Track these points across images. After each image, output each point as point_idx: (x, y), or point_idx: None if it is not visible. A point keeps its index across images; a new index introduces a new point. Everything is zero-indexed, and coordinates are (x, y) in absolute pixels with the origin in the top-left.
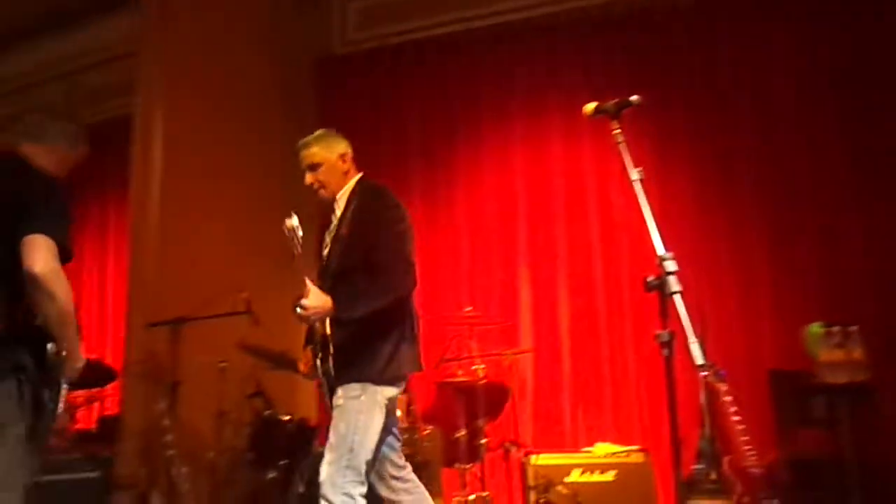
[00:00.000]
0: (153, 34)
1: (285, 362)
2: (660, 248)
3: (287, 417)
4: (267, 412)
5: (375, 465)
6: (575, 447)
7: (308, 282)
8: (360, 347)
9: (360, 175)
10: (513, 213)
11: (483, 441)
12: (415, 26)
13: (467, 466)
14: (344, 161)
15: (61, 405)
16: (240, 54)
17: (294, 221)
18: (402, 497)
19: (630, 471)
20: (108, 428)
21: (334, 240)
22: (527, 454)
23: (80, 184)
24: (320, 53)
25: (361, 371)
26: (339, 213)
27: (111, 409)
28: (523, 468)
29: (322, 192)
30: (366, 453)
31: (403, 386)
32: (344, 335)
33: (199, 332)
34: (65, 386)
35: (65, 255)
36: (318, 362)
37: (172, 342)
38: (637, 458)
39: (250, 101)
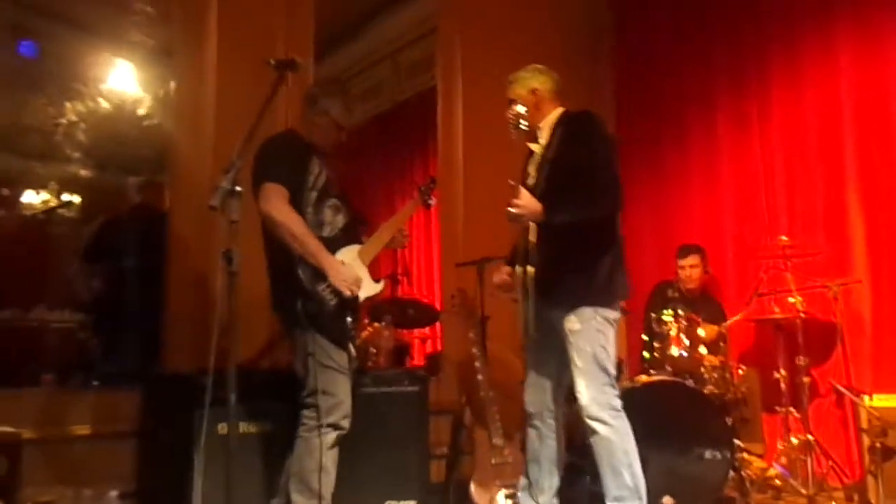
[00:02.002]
0: (448, 1)
1: None
2: None
3: None
4: None
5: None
6: None
7: (516, 184)
8: (575, 266)
9: (562, 109)
10: (837, 127)
11: (806, 381)
12: None
13: (789, 409)
14: (534, 95)
15: (332, 299)
16: (532, 4)
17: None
18: (548, 438)
19: None
20: (435, 364)
21: (540, 166)
22: (858, 394)
23: (403, 144)
24: None
25: (585, 294)
26: (543, 142)
27: (439, 347)
28: (855, 410)
29: (518, 126)
30: (613, 367)
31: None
32: (557, 250)
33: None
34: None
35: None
36: (523, 274)
37: (478, 280)
38: None
39: (545, 49)
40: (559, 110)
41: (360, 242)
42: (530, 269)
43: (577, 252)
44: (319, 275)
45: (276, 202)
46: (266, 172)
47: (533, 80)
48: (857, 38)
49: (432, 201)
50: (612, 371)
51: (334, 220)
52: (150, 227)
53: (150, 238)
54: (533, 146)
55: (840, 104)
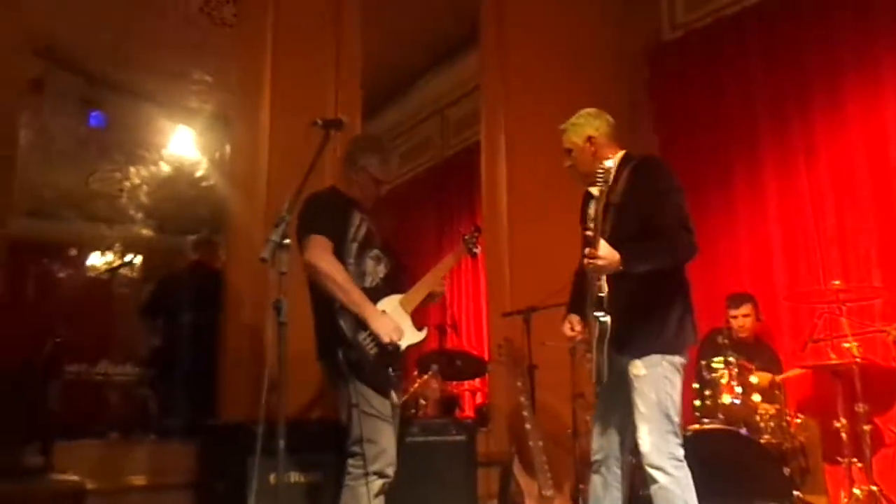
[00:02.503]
0: (491, 61)
1: None
2: None
3: None
4: None
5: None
6: None
7: (595, 235)
8: (647, 314)
9: (623, 151)
10: (887, 163)
11: (867, 429)
12: None
13: (852, 459)
14: (591, 143)
15: (373, 348)
16: (571, 61)
17: (609, 164)
18: (612, 487)
19: None
20: (485, 415)
21: (604, 211)
22: None
23: (451, 197)
24: (650, 43)
25: (656, 342)
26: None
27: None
28: None
29: (577, 175)
30: (678, 416)
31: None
32: (629, 298)
33: (549, 319)
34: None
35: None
36: (596, 322)
37: (525, 330)
38: None
39: (583, 100)
40: (620, 153)
41: (402, 292)
42: (603, 317)
43: (650, 300)
44: (360, 324)
45: (320, 252)
46: (310, 226)
47: (588, 127)
48: None
49: (477, 250)
50: (677, 419)
51: (375, 270)
52: (206, 283)
53: (205, 294)
54: (593, 190)
55: (888, 140)
